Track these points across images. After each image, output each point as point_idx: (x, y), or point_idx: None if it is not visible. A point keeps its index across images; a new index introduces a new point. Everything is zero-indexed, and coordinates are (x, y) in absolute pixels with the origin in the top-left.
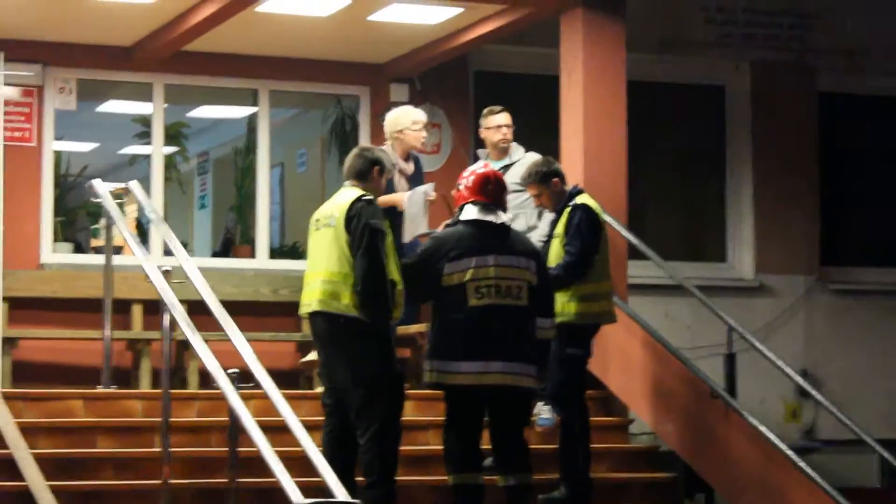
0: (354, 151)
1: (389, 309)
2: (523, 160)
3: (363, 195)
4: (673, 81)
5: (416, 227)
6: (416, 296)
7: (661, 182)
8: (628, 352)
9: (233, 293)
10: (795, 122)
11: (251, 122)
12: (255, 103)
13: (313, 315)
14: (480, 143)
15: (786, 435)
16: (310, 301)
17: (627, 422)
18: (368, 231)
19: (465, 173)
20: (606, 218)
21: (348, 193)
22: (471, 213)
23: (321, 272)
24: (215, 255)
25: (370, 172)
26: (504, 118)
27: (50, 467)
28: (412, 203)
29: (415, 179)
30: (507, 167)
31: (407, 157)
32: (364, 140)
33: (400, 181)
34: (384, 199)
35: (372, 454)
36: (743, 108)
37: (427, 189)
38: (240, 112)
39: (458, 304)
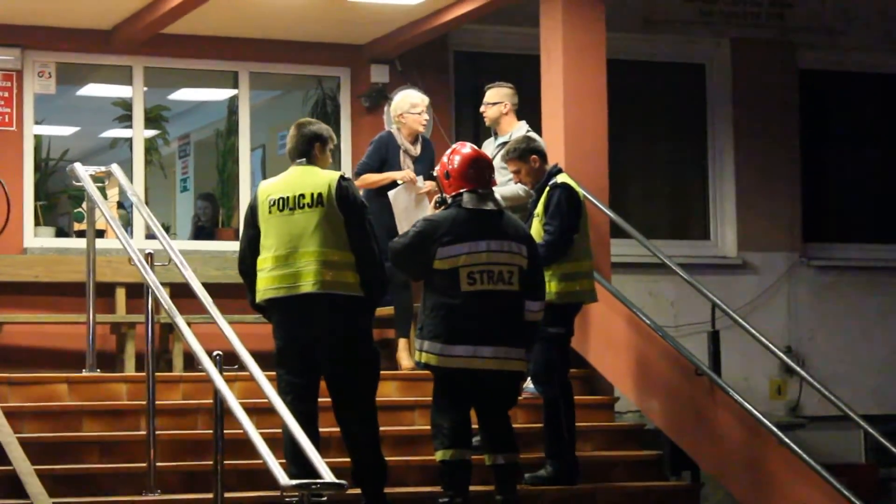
0: (291, 131)
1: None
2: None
3: (343, 174)
4: (653, 60)
5: (409, 220)
6: (407, 276)
7: (643, 161)
8: (612, 330)
9: (216, 276)
10: (776, 99)
11: (232, 104)
12: (235, 86)
13: (307, 297)
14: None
15: (771, 412)
16: (296, 283)
17: (613, 400)
18: (365, 211)
19: (448, 152)
20: (588, 196)
21: (320, 172)
22: (467, 201)
23: (312, 253)
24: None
25: (312, 150)
26: (486, 95)
27: (36, 451)
28: (398, 198)
29: (423, 161)
30: (503, 144)
31: (415, 139)
32: (345, 121)
33: (405, 161)
34: (384, 176)
35: (373, 432)
36: (724, 86)
37: (417, 182)
38: (220, 94)
39: (449, 288)
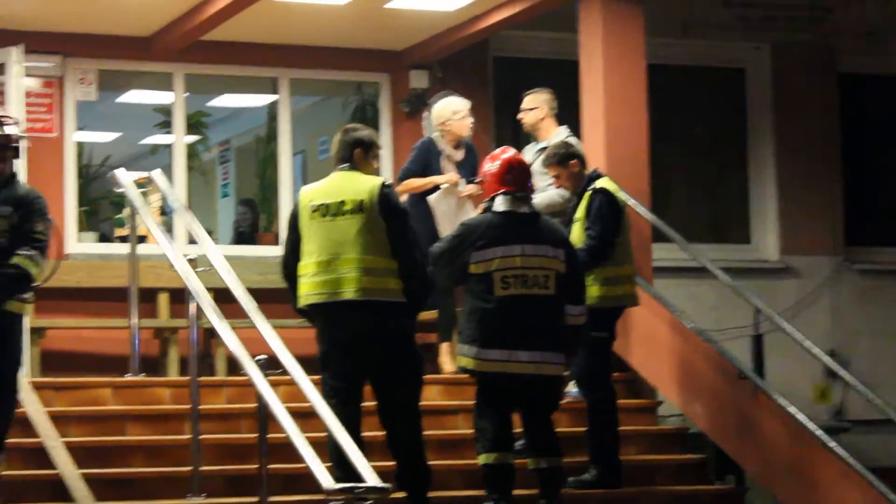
0: (336, 136)
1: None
2: None
3: (385, 181)
4: (693, 64)
5: (452, 224)
6: (447, 281)
7: (683, 165)
8: (655, 334)
9: (258, 280)
10: (817, 103)
11: (272, 110)
12: (275, 91)
13: (349, 303)
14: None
15: (815, 415)
16: (337, 289)
17: (656, 404)
18: (408, 218)
19: (488, 157)
20: (629, 201)
21: (361, 178)
22: (500, 204)
23: (353, 260)
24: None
25: (352, 156)
26: (524, 101)
27: (81, 455)
28: (439, 202)
29: (465, 166)
30: (543, 149)
31: (457, 144)
32: (385, 126)
33: (447, 167)
34: (427, 181)
35: (417, 436)
36: (764, 90)
37: (460, 185)
38: (260, 100)
39: (484, 292)
